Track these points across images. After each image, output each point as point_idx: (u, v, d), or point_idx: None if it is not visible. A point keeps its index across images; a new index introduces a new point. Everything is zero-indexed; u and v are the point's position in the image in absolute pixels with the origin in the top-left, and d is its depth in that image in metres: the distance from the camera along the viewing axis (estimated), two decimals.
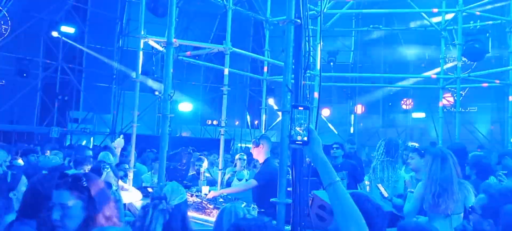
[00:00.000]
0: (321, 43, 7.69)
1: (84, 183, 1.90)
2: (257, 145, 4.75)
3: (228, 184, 5.99)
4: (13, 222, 2.25)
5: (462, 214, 3.34)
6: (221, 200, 4.58)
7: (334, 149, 5.49)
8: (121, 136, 6.34)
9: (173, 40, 4.44)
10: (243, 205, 4.25)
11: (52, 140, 13.56)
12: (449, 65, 11.96)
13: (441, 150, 3.59)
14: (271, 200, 2.68)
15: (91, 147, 12.73)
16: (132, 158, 5.61)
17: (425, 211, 3.48)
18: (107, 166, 3.67)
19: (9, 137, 14.57)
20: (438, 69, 10.62)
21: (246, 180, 5.73)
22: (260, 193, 4.61)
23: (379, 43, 16.79)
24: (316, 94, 7.84)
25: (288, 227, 2.60)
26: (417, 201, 3.47)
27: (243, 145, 16.49)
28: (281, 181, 2.76)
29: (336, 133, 16.21)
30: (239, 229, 1.73)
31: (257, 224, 1.76)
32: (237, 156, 6.63)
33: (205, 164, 6.18)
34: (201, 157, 6.64)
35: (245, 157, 6.46)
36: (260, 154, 4.78)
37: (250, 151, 5.08)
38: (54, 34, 14.76)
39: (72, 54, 16.28)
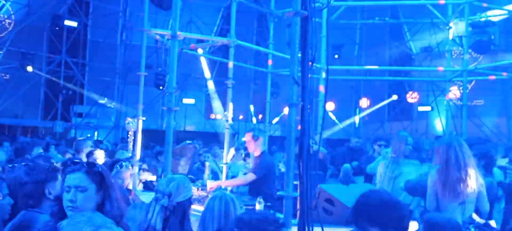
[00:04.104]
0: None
1: (98, 168, 2.03)
2: (257, 139, 4.74)
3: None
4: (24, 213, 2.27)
5: (474, 204, 3.30)
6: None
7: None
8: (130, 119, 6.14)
9: (178, 33, 4.39)
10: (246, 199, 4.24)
11: (56, 134, 13.61)
12: None
13: (455, 137, 3.54)
14: (278, 193, 2.65)
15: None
16: (138, 152, 5.58)
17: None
18: (127, 164, 3.72)
19: (14, 131, 14.64)
20: None
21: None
22: (257, 186, 4.59)
23: (385, 36, 16.66)
24: (321, 88, 7.79)
25: (295, 221, 2.58)
26: (431, 192, 3.41)
27: None
28: (288, 174, 2.73)
29: (341, 126, 16.13)
30: (242, 222, 1.72)
31: (258, 218, 1.76)
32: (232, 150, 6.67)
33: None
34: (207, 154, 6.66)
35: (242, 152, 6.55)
36: (257, 148, 4.79)
37: (245, 144, 5.07)
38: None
39: (76, 48, 16.30)
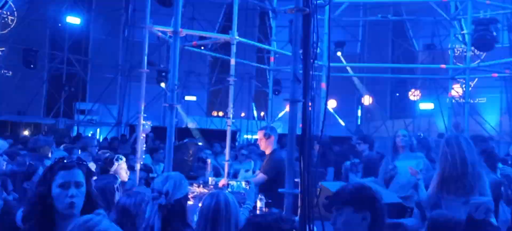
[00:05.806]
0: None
1: (87, 165, 2.05)
2: (268, 137, 4.72)
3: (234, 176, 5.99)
4: None
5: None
6: (228, 190, 4.56)
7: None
8: (149, 122, 6.23)
9: (179, 30, 4.39)
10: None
11: (59, 131, 13.66)
12: None
13: (456, 134, 3.53)
14: (280, 190, 2.65)
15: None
16: (139, 149, 5.60)
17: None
18: (121, 158, 3.75)
19: (17, 128, 14.69)
20: None
21: (253, 172, 5.71)
22: (269, 185, 4.58)
23: (387, 33, 16.62)
24: (323, 85, 7.78)
25: (296, 218, 2.58)
26: (431, 188, 3.41)
27: (250, 136, 16.47)
28: (289, 171, 2.73)
29: (343, 124, 16.11)
30: (259, 226, 1.74)
31: (273, 218, 1.77)
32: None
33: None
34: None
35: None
36: (268, 146, 4.77)
37: (257, 142, 5.05)
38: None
39: (78, 45, 16.32)
